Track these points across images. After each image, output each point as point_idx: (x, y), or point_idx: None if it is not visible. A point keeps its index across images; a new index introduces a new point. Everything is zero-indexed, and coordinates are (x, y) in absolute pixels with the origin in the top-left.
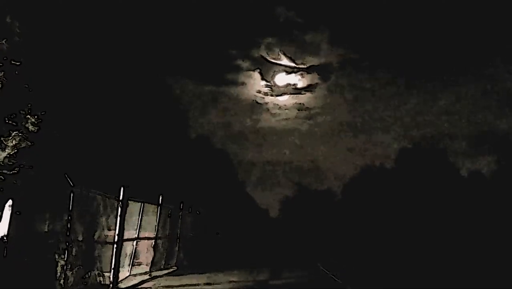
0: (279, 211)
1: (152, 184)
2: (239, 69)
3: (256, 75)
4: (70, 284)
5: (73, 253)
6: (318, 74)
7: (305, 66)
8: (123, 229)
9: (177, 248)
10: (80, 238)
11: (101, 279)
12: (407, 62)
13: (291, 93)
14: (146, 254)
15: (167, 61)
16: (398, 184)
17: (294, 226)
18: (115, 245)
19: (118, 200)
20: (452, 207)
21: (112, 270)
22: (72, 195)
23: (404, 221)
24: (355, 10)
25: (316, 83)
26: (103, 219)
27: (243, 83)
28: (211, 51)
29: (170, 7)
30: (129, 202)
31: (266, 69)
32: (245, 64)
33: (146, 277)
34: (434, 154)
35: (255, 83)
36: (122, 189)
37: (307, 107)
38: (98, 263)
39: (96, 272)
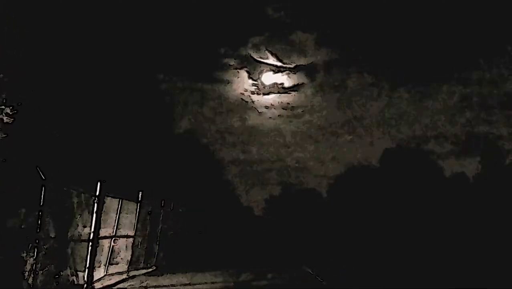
0: (265, 210)
1: (133, 181)
2: (226, 68)
3: (243, 74)
4: (39, 284)
5: (44, 251)
6: (304, 74)
7: (292, 66)
8: (99, 226)
9: (157, 247)
10: (52, 235)
11: (75, 278)
12: (393, 63)
13: (277, 93)
14: (125, 253)
15: (153, 57)
16: (383, 184)
17: (280, 226)
18: (90, 243)
19: (94, 196)
20: (436, 207)
21: (87, 269)
22: (43, 189)
23: (388, 220)
24: (343, 11)
25: (303, 83)
26: (78, 215)
27: (230, 82)
28: (198, 48)
29: (158, 4)
30: (106, 198)
31: (253, 68)
32: (232, 62)
33: (124, 276)
34: (419, 155)
35: (242, 82)
36: (98, 184)
37: (294, 107)
38: (71, 262)
39: (69, 272)
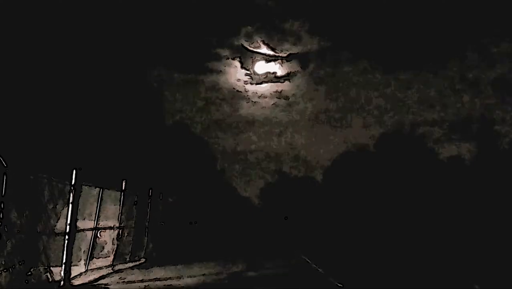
0: (259, 199)
1: (125, 171)
2: (218, 58)
3: (236, 63)
4: (6, 282)
5: (9, 248)
6: (297, 63)
7: (284, 55)
8: (76, 218)
9: (146, 239)
10: (18, 229)
11: (49, 275)
12: (385, 50)
13: (270, 82)
14: (110, 246)
15: (146, 48)
16: (378, 170)
17: (275, 214)
18: (66, 236)
19: (70, 185)
20: (431, 192)
21: (63, 265)
22: (5, 177)
23: (383, 206)
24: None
25: (296, 72)
26: (51, 207)
27: (222, 72)
28: (191, 39)
29: None
30: (86, 188)
31: (246, 57)
32: (224, 52)
33: (108, 270)
34: (414, 140)
35: (235, 72)
36: (74, 172)
37: (287, 95)
38: (44, 258)
39: (42, 268)
